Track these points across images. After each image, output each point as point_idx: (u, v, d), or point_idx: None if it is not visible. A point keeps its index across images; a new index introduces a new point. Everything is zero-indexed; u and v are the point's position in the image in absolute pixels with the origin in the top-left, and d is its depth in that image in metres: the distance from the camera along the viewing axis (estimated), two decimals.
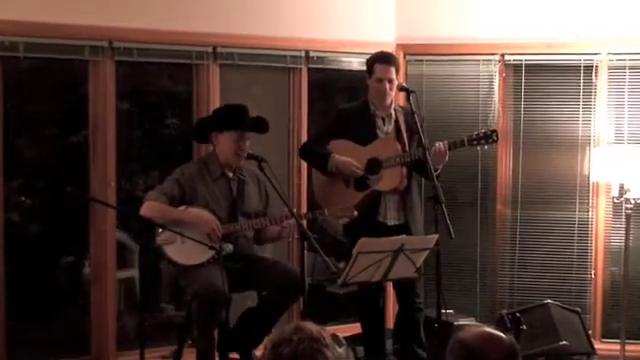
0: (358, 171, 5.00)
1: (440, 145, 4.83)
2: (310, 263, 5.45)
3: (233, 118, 4.81)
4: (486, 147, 5.14)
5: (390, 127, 5.07)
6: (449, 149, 4.84)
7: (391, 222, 5.03)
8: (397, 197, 5.03)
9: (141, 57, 5.21)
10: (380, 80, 4.98)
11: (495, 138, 4.86)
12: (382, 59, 5.04)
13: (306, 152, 5.27)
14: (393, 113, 5.06)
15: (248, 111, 4.82)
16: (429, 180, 4.81)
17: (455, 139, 4.89)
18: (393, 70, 5.00)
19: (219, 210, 4.80)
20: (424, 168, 4.69)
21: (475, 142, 4.88)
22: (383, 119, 5.07)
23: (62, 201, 5.56)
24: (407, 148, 4.98)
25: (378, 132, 5.05)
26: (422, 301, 5.12)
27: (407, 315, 5.16)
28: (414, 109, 4.74)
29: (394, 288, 5.27)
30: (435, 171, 4.81)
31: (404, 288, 5.05)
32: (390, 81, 4.98)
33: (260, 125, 4.86)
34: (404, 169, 4.96)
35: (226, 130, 4.80)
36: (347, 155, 5.02)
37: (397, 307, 5.33)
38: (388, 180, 4.98)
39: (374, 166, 5.00)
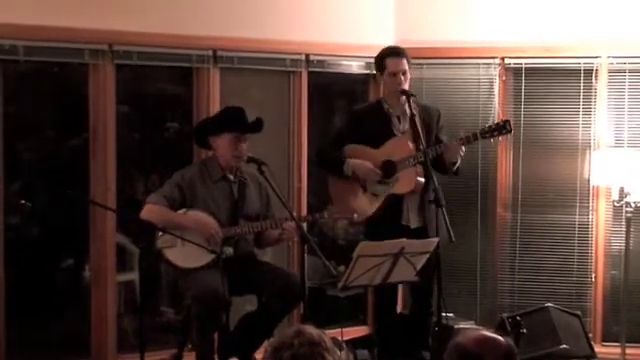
0: (375, 174, 4.88)
1: (452, 142, 4.79)
2: (310, 266, 5.43)
3: (229, 120, 4.80)
4: (500, 138, 4.97)
5: (406, 125, 4.96)
6: (463, 145, 4.79)
7: (414, 225, 4.95)
8: (418, 199, 4.94)
9: (141, 60, 5.20)
10: (394, 74, 4.91)
11: (509, 128, 4.78)
12: (392, 52, 4.99)
13: (321, 158, 5.18)
14: (408, 110, 4.90)
15: (244, 112, 4.80)
16: (444, 174, 4.86)
17: (468, 134, 4.85)
18: (405, 62, 4.93)
19: (219, 213, 4.79)
20: (442, 166, 4.71)
21: (488, 134, 4.81)
22: (398, 117, 5.00)
23: (62, 204, 5.55)
24: (423, 146, 4.77)
25: (394, 131, 4.98)
26: (434, 306, 5.08)
27: (419, 318, 5.13)
28: (414, 112, 4.74)
29: (410, 290, 5.21)
30: (453, 165, 4.79)
31: (421, 291, 4.99)
32: (404, 73, 4.92)
33: (255, 125, 4.85)
34: (420, 169, 4.83)
35: (223, 133, 4.80)
36: (361, 159, 4.94)
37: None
38: (404, 182, 4.88)
39: (389, 169, 4.90)
